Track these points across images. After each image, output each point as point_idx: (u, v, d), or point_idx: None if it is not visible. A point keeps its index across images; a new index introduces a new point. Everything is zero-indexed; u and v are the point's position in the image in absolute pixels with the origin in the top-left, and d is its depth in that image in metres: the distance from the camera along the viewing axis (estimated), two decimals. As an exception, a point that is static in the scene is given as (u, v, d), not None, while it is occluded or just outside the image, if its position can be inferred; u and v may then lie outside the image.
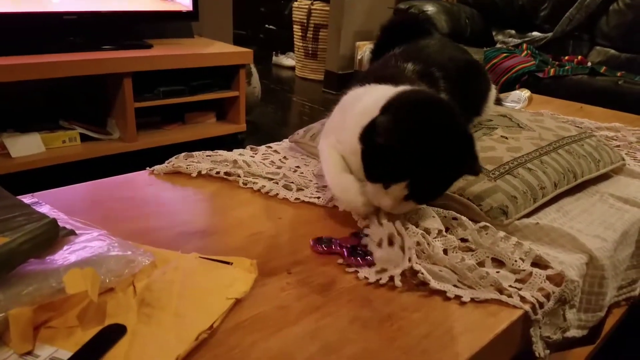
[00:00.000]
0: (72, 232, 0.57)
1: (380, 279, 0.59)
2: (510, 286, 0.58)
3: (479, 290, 0.57)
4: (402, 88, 0.69)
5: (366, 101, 0.71)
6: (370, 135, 0.64)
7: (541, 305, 0.57)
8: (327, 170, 0.75)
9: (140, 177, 0.82)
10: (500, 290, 0.58)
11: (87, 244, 0.54)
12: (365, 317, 0.52)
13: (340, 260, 0.62)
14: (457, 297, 0.57)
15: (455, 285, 0.58)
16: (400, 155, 0.62)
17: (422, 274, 0.58)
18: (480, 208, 0.71)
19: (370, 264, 0.61)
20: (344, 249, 0.63)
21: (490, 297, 0.57)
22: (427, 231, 0.66)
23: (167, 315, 0.48)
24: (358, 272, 0.60)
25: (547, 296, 0.58)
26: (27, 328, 0.43)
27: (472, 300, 0.56)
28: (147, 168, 0.84)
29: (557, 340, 0.61)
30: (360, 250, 0.63)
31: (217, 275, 0.54)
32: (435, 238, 0.65)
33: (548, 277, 0.60)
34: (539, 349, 0.58)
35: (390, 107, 0.65)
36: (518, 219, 0.72)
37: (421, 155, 0.61)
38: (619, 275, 0.75)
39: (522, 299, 0.57)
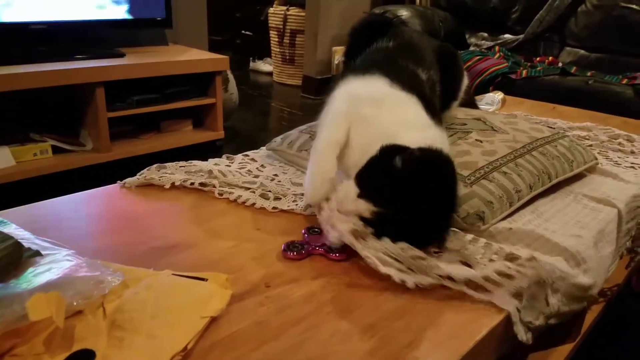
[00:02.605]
0: (37, 253, 0.54)
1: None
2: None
3: (422, 277, 0.58)
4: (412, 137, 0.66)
5: (378, 129, 0.69)
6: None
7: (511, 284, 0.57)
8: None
9: (111, 191, 0.80)
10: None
11: (53, 265, 0.52)
12: (346, 329, 0.52)
13: (319, 265, 0.62)
14: (439, 305, 0.56)
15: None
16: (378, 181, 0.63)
17: (370, 258, 0.60)
18: (457, 215, 0.70)
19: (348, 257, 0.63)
20: (321, 249, 0.64)
21: (432, 282, 0.58)
22: None
23: (139, 337, 0.46)
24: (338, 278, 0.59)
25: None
26: (-11, 357, 0.41)
27: (454, 307, 0.56)
28: (118, 181, 0.82)
29: (540, 326, 0.61)
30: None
31: (191, 293, 0.53)
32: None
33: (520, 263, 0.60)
34: (520, 331, 0.57)
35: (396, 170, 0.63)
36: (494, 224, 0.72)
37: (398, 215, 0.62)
38: (604, 272, 0.75)
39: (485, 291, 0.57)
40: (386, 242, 0.62)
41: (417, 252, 0.60)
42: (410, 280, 0.58)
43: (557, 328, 0.95)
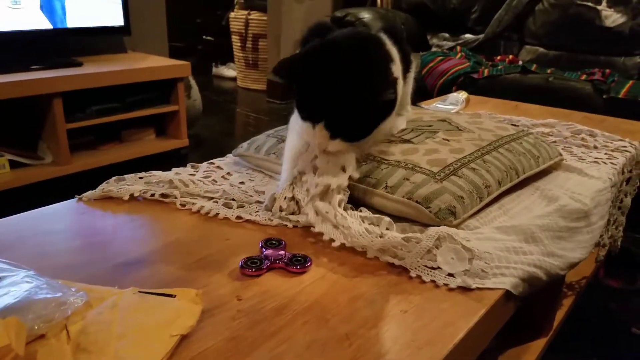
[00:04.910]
0: (-8, 276, 0.51)
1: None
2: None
3: (346, 234, 0.65)
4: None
5: None
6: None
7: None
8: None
9: (69, 207, 0.76)
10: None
11: (11, 288, 0.49)
12: (322, 339, 0.50)
13: (291, 275, 0.61)
14: (414, 310, 0.56)
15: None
16: (307, 95, 0.70)
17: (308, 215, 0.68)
18: (429, 210, 0.70)
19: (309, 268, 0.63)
20: (281, 262, 0.62)
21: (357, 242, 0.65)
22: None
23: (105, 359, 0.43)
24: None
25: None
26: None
27: (429, 311, 0.56)
28: (76, 196, 0.78)
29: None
30: (298, 257, 0.64)
31: (159, 310, 0.50)
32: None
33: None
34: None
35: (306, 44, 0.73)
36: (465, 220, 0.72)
37: (324, 94, 0.68)
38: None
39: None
40: (353, 216, 0.68)
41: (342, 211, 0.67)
42: (339, 237, 0.66)
43: (529, 324, 0.97)
